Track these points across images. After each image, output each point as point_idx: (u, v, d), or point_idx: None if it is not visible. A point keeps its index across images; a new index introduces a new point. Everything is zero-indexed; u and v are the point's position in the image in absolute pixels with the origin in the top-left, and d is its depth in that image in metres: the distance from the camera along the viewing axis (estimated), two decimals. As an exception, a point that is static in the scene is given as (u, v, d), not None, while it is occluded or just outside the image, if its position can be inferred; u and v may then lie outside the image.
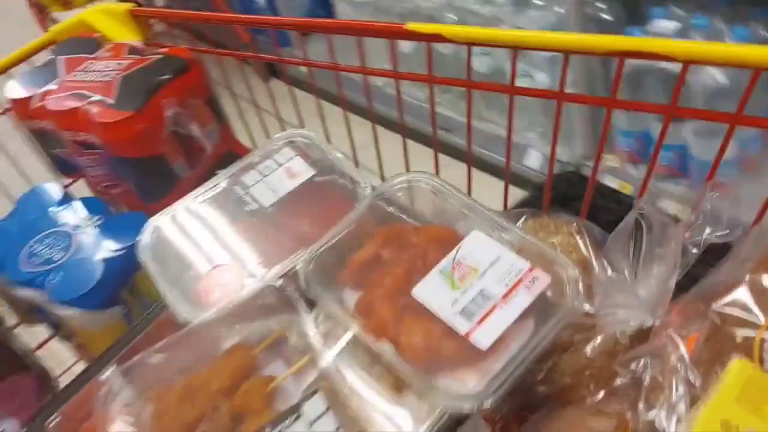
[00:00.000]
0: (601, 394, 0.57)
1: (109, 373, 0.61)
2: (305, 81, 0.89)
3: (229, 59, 0.96)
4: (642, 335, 0.57)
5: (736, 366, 0.40)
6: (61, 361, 1.00)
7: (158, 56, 0.86)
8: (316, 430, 0.51)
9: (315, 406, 0.53)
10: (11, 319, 0.91)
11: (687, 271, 0.57)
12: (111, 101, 0.80)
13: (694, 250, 0.56)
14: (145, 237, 0.67)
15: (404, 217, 0.66)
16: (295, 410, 0.53)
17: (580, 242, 0.61)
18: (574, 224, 0.63)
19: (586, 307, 0.58)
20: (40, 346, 0.96)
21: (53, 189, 0.90)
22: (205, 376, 0.58)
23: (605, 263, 0.59)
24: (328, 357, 0.57)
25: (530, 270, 0.56)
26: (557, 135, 0.70)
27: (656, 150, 0.65)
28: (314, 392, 0.53)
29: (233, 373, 0.57)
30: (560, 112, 0.68)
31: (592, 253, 0.60)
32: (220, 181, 0.69)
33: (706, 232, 0.56)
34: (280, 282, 0.60)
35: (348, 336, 0.59)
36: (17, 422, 0.82)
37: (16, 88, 0.90)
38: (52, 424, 0.63)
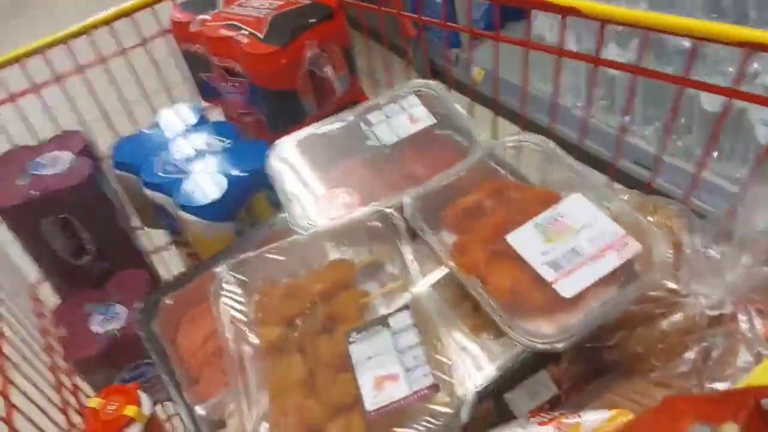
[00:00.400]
0: (670, 368, 0.59)
1: (221, 266, 0.68)
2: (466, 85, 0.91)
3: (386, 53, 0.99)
4: (719, 319, 0.58)
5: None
6: (170, 271, 1.10)
7: (307, 1, 0.94)
8: (400, 339, 0.56)
9: (401, 320, 0.58)
10: (137, 222, 1.01)
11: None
12: (260, 35, 0.88)
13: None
14: (274, 154, 0.74)
15: (510, 176, 0.70)
16: (382, 321, 0.58)
17: (676, 224, 0.63)
18: (673, 207, 0.66)
19: (671, 283, 0.60)
20: (158, 250, 1.07)
21: (193, 109, 0.99)
22: (309, 280, 0.64)
23: (697, 246, 0.61)
24: (420, 285, 0.62)
25: (623, 237, 0.59)
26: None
27: None
28: (403, 308, 0.59)
29: (333, 282, 0.63)
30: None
31: (685, 235, 0.62)
32: (347, 116, 0.76)
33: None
34: (388, 210, 0.65)
35: (442, 270, 0.64)
36: (126, 309, 0.91)
37: (178, 13, 0.99)
38: (166, 303, 0.71)
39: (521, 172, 0.70)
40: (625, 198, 0.67)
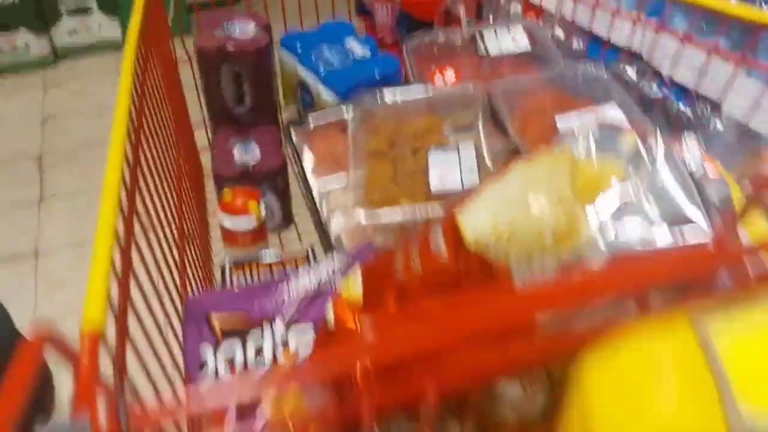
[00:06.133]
0: None
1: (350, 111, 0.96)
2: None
3: None
4: None
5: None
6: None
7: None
8: (463, 156, 0.82)
9: (468, 149, 0.84)
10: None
11: None
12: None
13: None
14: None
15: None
16: (454, 146, 0.84)
17: None
18: None
19: None
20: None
21: (347, 24, 1.29)
22: (407, 122, 0.90)
23: None
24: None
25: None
26: None
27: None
28: (471, 145, 0.84)
29: (425, 127, 0.89)
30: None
31: None
32: (470, 30, 1.03)
33: None
34: (478, 91, 0.91)
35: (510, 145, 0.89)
36: (260, 152, 1.20)
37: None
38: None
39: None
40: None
